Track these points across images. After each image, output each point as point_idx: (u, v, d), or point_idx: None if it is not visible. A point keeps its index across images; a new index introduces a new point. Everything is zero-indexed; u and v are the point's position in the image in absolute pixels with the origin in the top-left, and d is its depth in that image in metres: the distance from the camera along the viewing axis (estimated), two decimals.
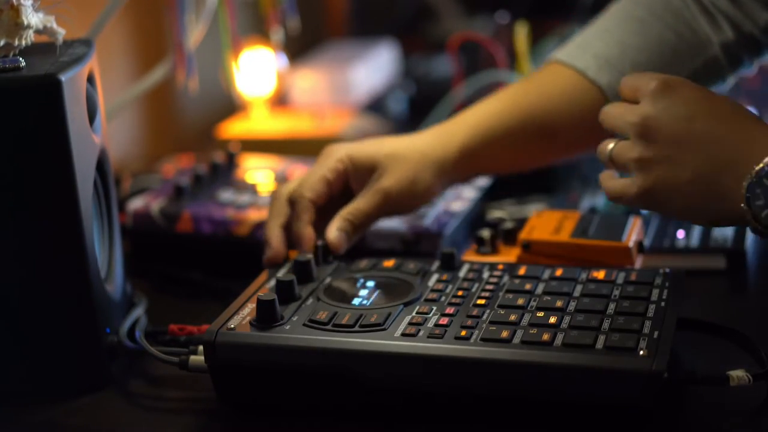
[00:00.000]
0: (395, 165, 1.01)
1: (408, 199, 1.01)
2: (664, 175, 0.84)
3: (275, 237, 0.97)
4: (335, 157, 1.01)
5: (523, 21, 1.42)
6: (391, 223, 1.07)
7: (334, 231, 0.97)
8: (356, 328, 0.82)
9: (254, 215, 1.10)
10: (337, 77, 1.60)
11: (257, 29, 1.63)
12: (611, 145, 0.89)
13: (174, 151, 1.48)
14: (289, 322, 0.83)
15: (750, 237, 1.06)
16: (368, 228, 1.01)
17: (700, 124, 0.83)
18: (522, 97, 1.06)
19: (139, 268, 1.10)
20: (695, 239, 1.06)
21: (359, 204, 0.99)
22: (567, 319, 0.82)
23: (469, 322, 0.82)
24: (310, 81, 1.60)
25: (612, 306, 0.83)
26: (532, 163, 1.09)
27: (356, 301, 0.87)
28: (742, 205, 0.80)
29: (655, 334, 0.79)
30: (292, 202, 0.99)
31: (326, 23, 2.00)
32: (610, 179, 0.90)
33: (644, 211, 1.10)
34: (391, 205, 1.00)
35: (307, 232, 0.97)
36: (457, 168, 1.03)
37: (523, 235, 0.99)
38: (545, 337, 0.79)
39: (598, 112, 0.91)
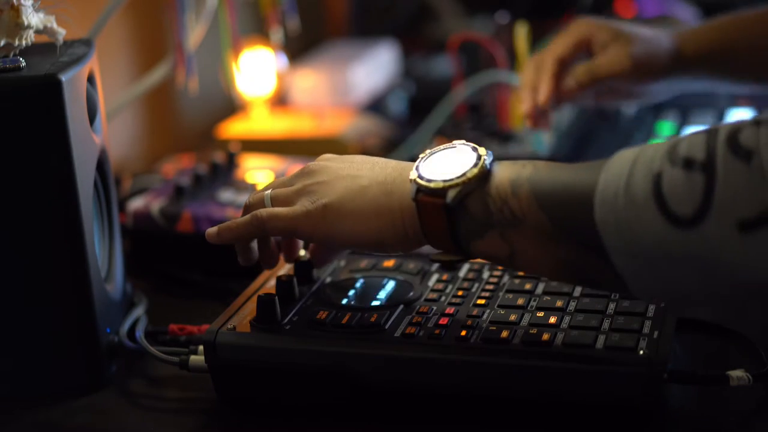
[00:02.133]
0: (639, 39, 1.15)
1: (642, 72, 1.14)
2: (325, 186, 0.82)
3: None
4: (583, 22, 1.18)
5: (523, 21, 1.42)
6: None
7: (570, 79, 1.14)
8: (356, 329, 0.82)
9: None
10: (337, 77, 1.60)
11: (257, 29, 1.63)
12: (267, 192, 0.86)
13: (174, 151, 1.48)
14: (289, 322, 0.83)
15: None
16: (602, 85, 1.15)
17: (359, 158, 0.84)
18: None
19: (139, 268, 1.10)
20: None
21: (601, 60, 1.15)
22: (567, 318, 0.82)
23: (469, 322, 0.82)
24: (310, 81, 1.60)
25: (612, 306, 0.83)
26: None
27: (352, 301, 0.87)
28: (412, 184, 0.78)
29: (655, 334, 0.79)
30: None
31: (326, 23, 2.00)
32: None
33: None
34: (628, 71, 1.14)
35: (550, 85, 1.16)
36: (685, 63, 1.16)
37: None
38: (545, 337, 0.79)
39: None
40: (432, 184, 0.78)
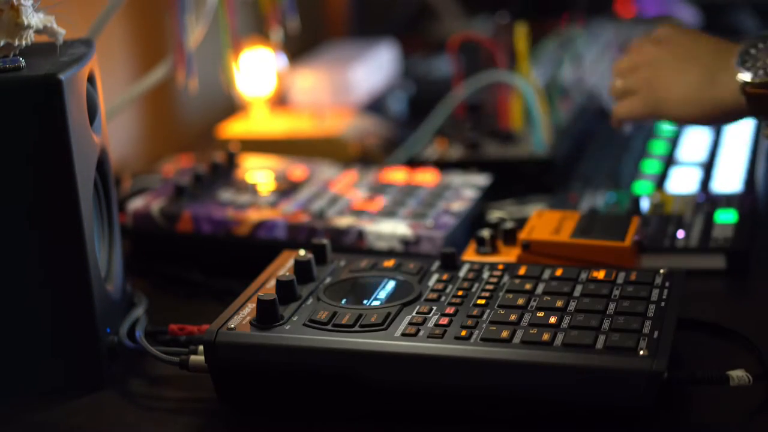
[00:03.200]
0: None
1: None
2: (653, 66, 1.08)
3: None
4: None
5: (523, 21, 1.42)
6: (391, 223, 1.07)
7: None
8: (356, 328, 0.82)
9: (254, 215, 1.10)
10: (337, 77, 1.60)
11: (257, 29, 1.63)
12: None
13: (174, 151, 1.48)
14: (289, 322, 0.83)
15: (751, 237, 1.06)
16: None
17: (681, 37, 1.09)
18: None
19: (139, 268, 1.10)
20: (695, 239, 1.06)
21: None
22: (567, 319, 0.82)
23: (469, 322, 0.82)
24: (310, 81, 1.60)
25: (612, 306, 0.83)
26: None
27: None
28: (737, 68, 1.00)
29: (655, 334, 0.79)
30: None
31: (326, 23, 2.00)
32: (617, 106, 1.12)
33: (644, 210, 1.10)
34: None
35: None
36: None
37: (523, 235, 0.99)
38: (545, 337, 0.79)
39: None
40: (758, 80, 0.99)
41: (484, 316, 0.83)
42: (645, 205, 1.12)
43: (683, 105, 1.05)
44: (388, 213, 1.10)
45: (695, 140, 1.36)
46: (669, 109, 1.07)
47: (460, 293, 0.87)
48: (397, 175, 1.21)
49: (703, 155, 1.32)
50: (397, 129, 1.50)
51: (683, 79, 1.05)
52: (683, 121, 1.10)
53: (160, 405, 0.87)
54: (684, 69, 1.06)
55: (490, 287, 0.88)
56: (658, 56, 1.09)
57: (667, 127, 1.40)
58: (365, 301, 0.87)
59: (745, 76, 1.00)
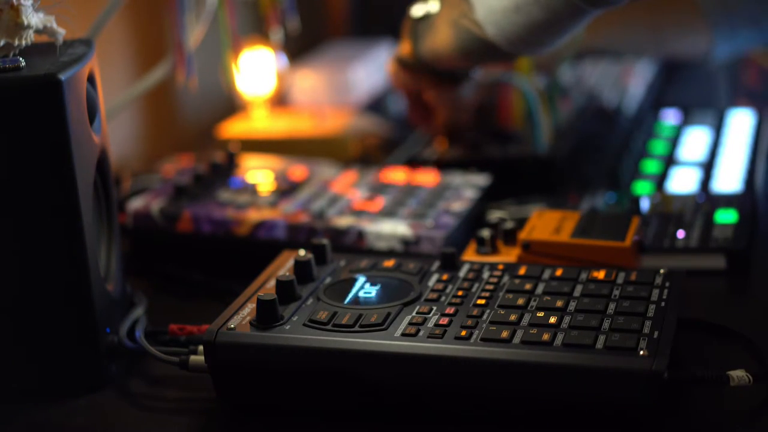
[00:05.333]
0: None
1: None
2: None
3: None
4: None
5: None
6: (391, 223, 1.07)
7: None
8: (356, 328, 0.82)
9: (254, 215, 1.10)
10: (337, 77, 1.60)
11: (257, 29, 1.63)
12: None
13: (174, 151, 1.48)
14: (289, 322, 0.83)
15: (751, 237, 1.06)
16: None
17: None
18: None
19: (139, 268, 1.10)
20: (695, 239, 1.06)
21: None
22: (567, 319, 0.82)
23: (469, 322, 0.82)
24: (310, 81, 1.60)
25: (612, 306, 0.83)
26: None
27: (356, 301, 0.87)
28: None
29: (655, 334, 0.79)
30: None
31: (326, 23, 2.00)
32: None
33: (644, 210, 1.11)
34: None
35: None
36: None
37: (523, 235, 0.99)
38: (545, 337, 0.79)
39: None
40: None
41: (484, 316, 0.83)
42: (645, 205, 1.12)
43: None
44: (388, 213, 1.10)
45: (695, 140, 1.37)
46: None
47: (460, 293, 0.87)
48: (397, 175, 1.21)
49: (703, 155, 1.32)
50: (397, 129, 1.50)
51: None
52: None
53: (160, 405, 0.87)
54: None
55: (490, 287, 0.88)
56: None
57: (667, 127, 1.41)
58: (366, 302, 0.87)
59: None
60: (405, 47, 1.24)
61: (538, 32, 1.08)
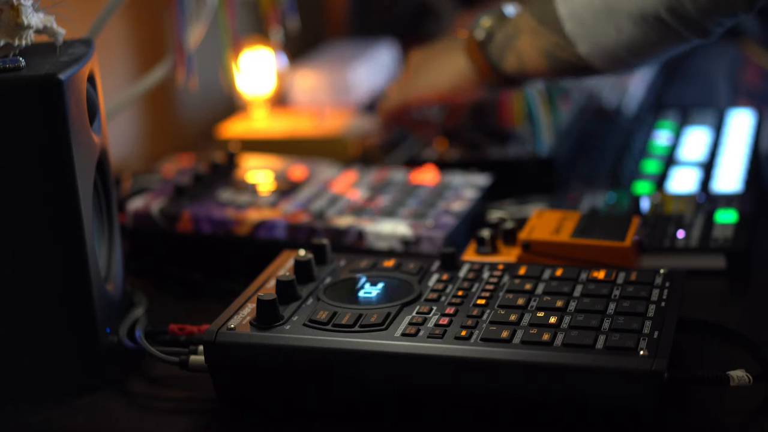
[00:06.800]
0: None
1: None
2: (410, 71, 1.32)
3: None
4: None
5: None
6: (391, 223, 1.07)
7: None
8: (356, 328, 0.82)
9: (254, 215, 1.10)
10: (337, 77, 1.60)
11: (257, 29, 1.63)
12: None
13: (174, 151, 1.48)
14: (289, 322, 0.83)
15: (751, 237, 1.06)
16: None
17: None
18: None
19: (139, 268, 1.10)
20: (695, 239, 1.06)
21: None
22: (567, 319, 0.82)
23: (469, 322, 0.82)
24: (310, 81, 1.60)
25: (612, 306, 0.83)
26: None
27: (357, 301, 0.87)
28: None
29: (656, 334, 0.79)
30: None
31: (326, 23, 2.00)
32: None
33: (644, 210, 1.11)
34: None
35: None
36: None
37: (523, 235, 0.99)
38: (545, 337, 0.79)
39: None
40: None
41: (484, 316, 0.83)
42: (645, 205, 1.12)
43: (436, 77, 1.28)
44: (388, 213, 1.10)
45: (695, 140, 1.37)
46: (427, 85, 1.29)
47: (460, 293, 0.87)
48: (397, 175, 1.21)
49: (703, 155, 1.32)
50: (397, 129, 1.50)
51: (434, 60, 1.29)
52: (444, 89, 1.27)
53: (160, 405, 0.87)
54: (435, 56, 1.29)
55: (490, 287, 0.88)
56: (414, 62, 1.32)
57: (667, 127, 1.40)
58: (365, 302, 0.87)
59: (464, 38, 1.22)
60: (460, 60, 1.25)
61: (639, 55, 1.09)
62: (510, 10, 1.21)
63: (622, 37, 1.07)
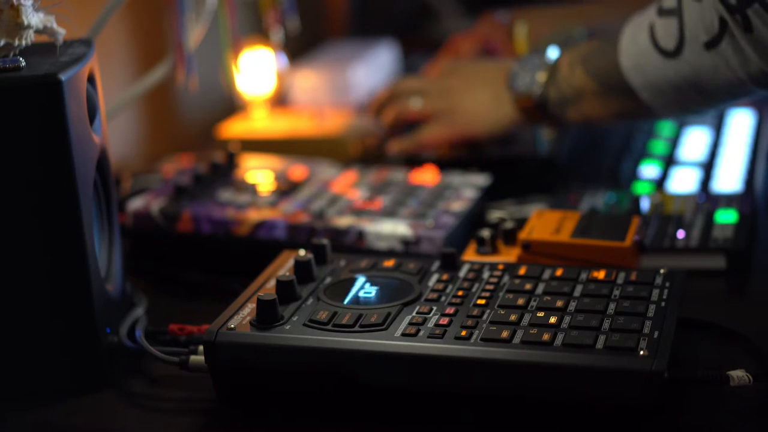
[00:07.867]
0: None
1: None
2: (447, 95, 1.27)
3: None
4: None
5: (523, 21, 1.42)
6: (391, 223, 1.07)
7: None
8: (356, 328, 0.82)
9: (254, 215, 1.10)
10: (337, 77, 1.60)
11: (257, 29, 1.63)
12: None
13: (174, 151, 1.48)
14: (289, 322, 0.83)
15: (751, 237, 1.06)
16: None
17: (465, 65, 1.33)
18: None
19: (139, 268, 1.10)
20: (695, 239, 1.06)
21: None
22: (567, 319, 0.82)
23: (469, 322, 0.82)
24: (310, 81, 1.60)
25: (612, 306, 0.83)
26: None
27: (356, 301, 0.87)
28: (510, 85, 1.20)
29: (656, 334, 0.79)
30: None
31: (326, 23, 2.00)
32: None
33: (644, 210, 1.11)
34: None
35: None
36: None
37: (523, 235, 0.99)
38: (545, 337, 0.79)
39: None
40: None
41: (484, 316, 0.83)
42: (645, 205, 1.12)
43: (482, 123, 1.25)
44: (388, 213, 1.10)
45: (695, 140, 1.37)
46: (470, 128, 1.26)
47: (460, 293, 0.87)
48: (397, 175, 1.21)
49: (703, 155, 1.32)
50: (397, 129, 1.50)
51: (476, 101, 1.25)
52: (485, 136, 1.26)
53: (160, 405, 0.87)
54: (474, 93, 1.25)
55: (490, 287, 0.88)
56: (449, 86, 1.28)
57: (667, 127, 1.41)
58: (366, 302, 0.87)
59: (514, 92, 1.20)
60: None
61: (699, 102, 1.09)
62: (554, 54, 1.19)
63: (706, 105, 1.09)
